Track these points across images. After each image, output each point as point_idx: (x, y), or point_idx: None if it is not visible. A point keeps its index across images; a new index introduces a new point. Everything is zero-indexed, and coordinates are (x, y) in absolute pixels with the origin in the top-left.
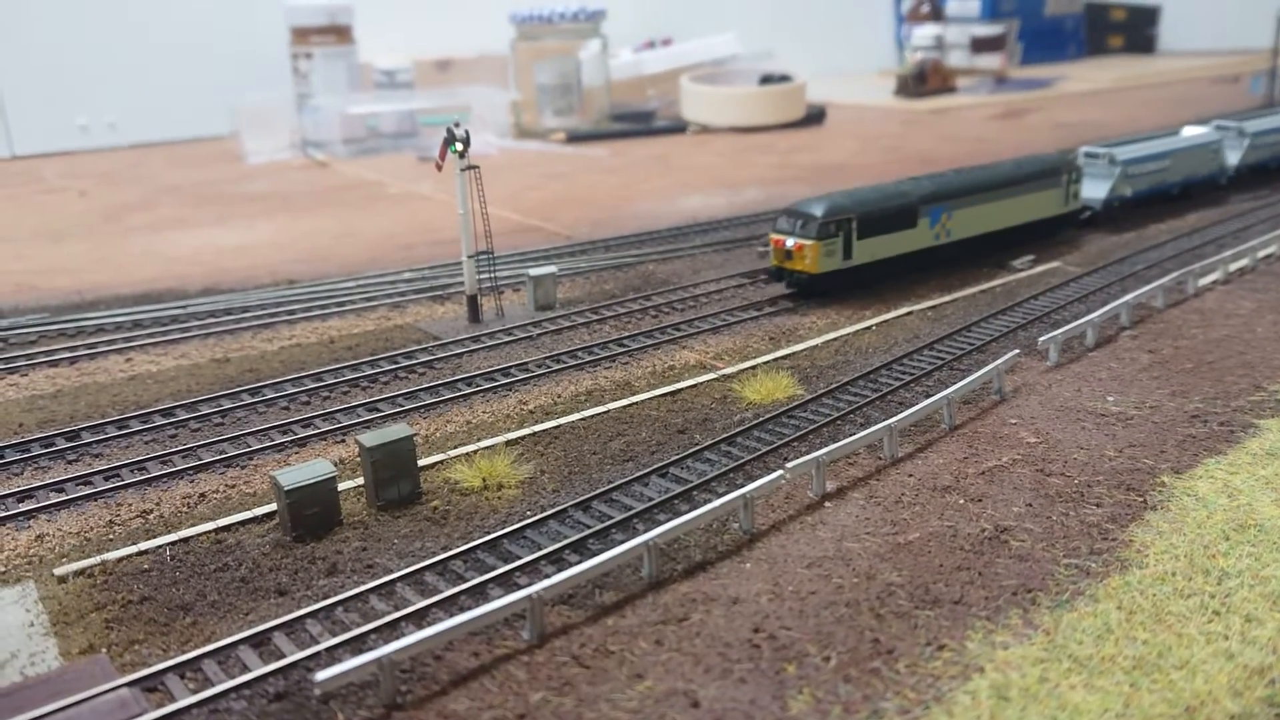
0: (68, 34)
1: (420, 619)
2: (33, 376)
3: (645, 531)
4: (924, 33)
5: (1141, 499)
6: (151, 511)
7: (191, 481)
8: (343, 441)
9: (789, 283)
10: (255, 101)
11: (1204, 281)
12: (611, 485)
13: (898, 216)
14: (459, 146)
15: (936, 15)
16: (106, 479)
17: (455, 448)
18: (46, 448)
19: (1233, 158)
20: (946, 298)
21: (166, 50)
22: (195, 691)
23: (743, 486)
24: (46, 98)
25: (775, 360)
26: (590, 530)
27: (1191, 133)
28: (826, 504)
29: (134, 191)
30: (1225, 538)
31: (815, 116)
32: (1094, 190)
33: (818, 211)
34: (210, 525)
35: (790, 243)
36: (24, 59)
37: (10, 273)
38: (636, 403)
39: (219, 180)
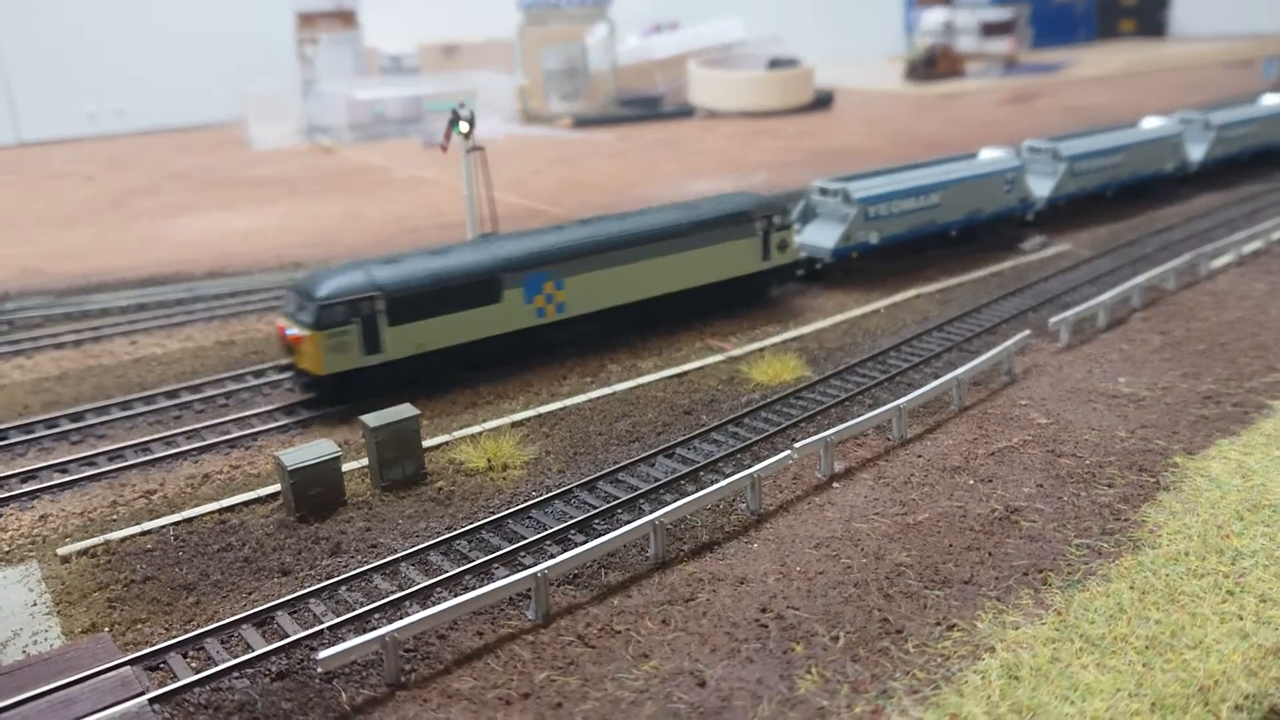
0: (75, 22)
1: (424, 598)
2: (38, 359)
3: (652, 511)
4: (933, 17)
5: (1154, 479)
6: (155, 492)
7: (195, 462)
8: (347, 422)
9: (304, 384)
10: (261, 88)
11: (1217, 264)
12: (617, 466)
13: (465, 290)
14: (464, 127)
15: None
16: (110, 460)
17: (460, 428)
18: (51, 429)
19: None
20: (956, 280)
21: (173, 37)
22: (197, 670)
23: (750, 467)
24: (54, 85)
25: (783, 342)
26: (596, 510)
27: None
28: (834, 485)
29: (140, 177)
30: (1239, 518)
31: (823, 101)
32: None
33: (322, 290)
34: (214, 505)
35: (292, 331)
36: (32, 46)
37: (17, 257)
38: (643, 384)
39: (225, 166)
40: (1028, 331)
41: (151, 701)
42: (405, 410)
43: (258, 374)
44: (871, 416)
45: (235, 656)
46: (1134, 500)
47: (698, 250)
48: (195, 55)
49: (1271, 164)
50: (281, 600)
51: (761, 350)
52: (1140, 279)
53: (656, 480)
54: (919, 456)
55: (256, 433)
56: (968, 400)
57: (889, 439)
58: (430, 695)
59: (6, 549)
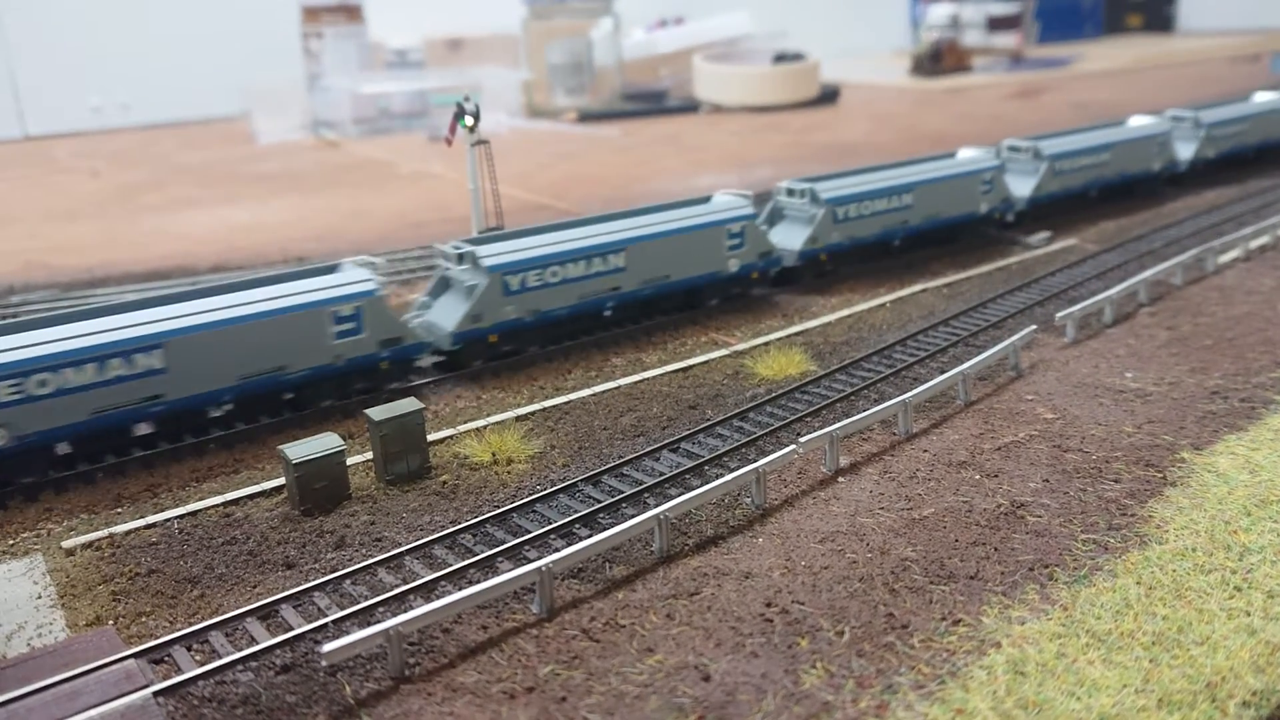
0: (80, 16)
1: (429, 592)
2: None
3: (656, 506)
4: (939, 11)
5: (1161, 475)
6: (160, 485)
7: (199, 455)
8: (353, 416)
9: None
10: (266, 82)
11: (1224, 259)
12: (622, 460)
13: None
14: (469, 121)
15: None
16: (115, 453)
17: (465, 422)
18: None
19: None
20: (961, 275)
21: (178, 31)
22: (202, 663)
23: (755, 461)
24: (59, 79)
25: (787, 336)
26: (600, 504)
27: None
28: (840, 479)
29: (145, 171)
30: (1247, 513)
31: (829, 96)
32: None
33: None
34: (218, 499)
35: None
36: (37, 40)
37: (22, 251)
38: (648, 378)
39: (230, 160)
40: (1034, 326)
41: (156, 694)
42: (410, 404)
43: None
44: (877, 411)
45: (239, 650)
46: (1141, 496)
47: None
48: (200, 49)
49: (1276, 161)
50: (286, 594)
51: (766, 345)
52: (1147, 274)
53: (661, 475)
54: (925, 451)
55: (261, 426)
56: (973, 395)
57: (894, 434)
58: (435, 689)
59: (11, 542)
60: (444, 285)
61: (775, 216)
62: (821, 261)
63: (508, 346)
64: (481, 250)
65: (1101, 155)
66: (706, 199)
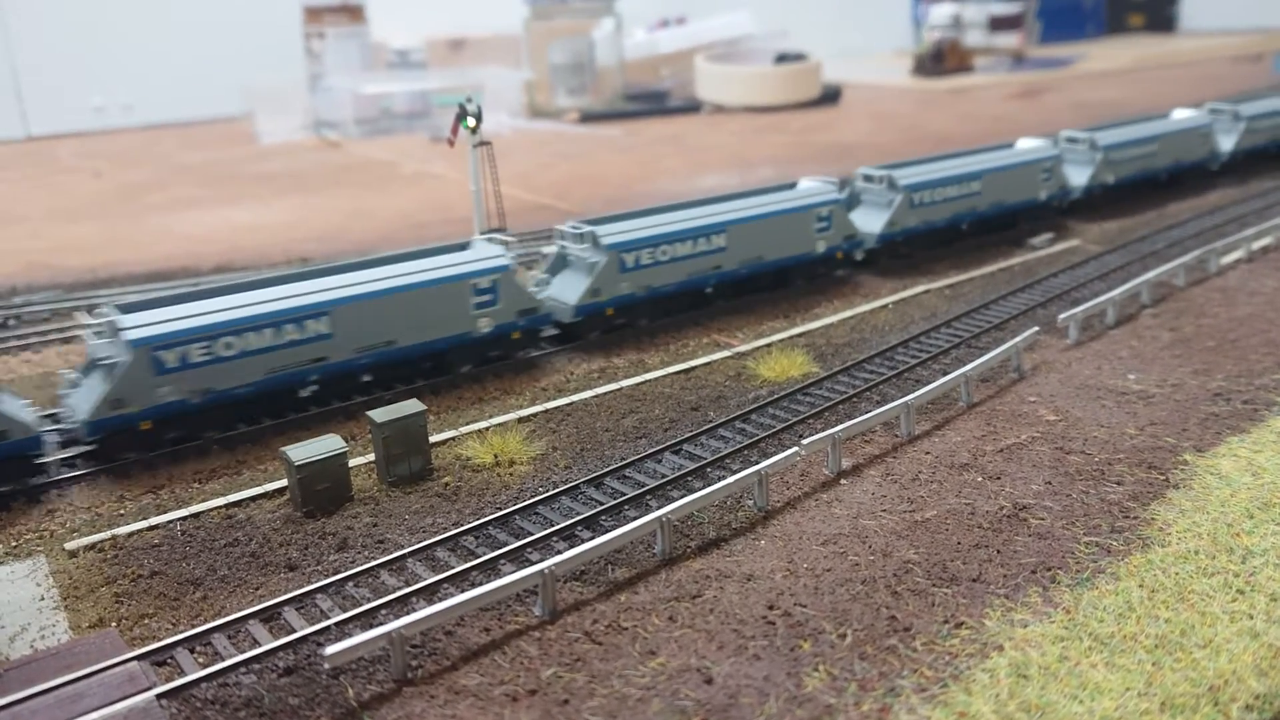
0: (83, 15)
1: (431, 594)
2: (45, 354)
3: (659, 508)
4: (941, 11)
5: (1163, 477)
6: (162, 487)
7: (202, 457)
8: (355, 418)
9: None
10: (268, 82)
11: (1226, 260)
12: (624, 461)
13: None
14: (471, 122)
15: None
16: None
17: (467, 424)
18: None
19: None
20: (964, 276)
21: (181, 31)
22: (204, 665)
23: (757, 463)
24: (61, 79)
25: (790, 338)
26: (603, 506)
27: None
28: (842, 481)
29: (148, 171)
30: (1249, 516)
31: (830, 96)
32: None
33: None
34: (221, 500)
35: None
36: (39, 40)
37: (25, 251)
38: (650, 380)
39: (232, 160)
40: (1036, 328)
41: (159, 697)
42: (412, 405)
43: None
44: (879, 413)
45: (242, 652)
46: (1143, 498)
47: None
48: (202, 49)
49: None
50: (288, 596)
51: (768, 346)
52: (1150, 275)
53: (663, 476)
54: (927, 453)
55: (264, 427)
56: (976, 397)
57: (897, 436)
58: (437, 691)
59: (14, 543)
60: (562, 262)
61: (853, 201)
62: (898, 245)
63: (621, 320)
64: (601, 230)
65: (1151, 146)
66: (792, 185)
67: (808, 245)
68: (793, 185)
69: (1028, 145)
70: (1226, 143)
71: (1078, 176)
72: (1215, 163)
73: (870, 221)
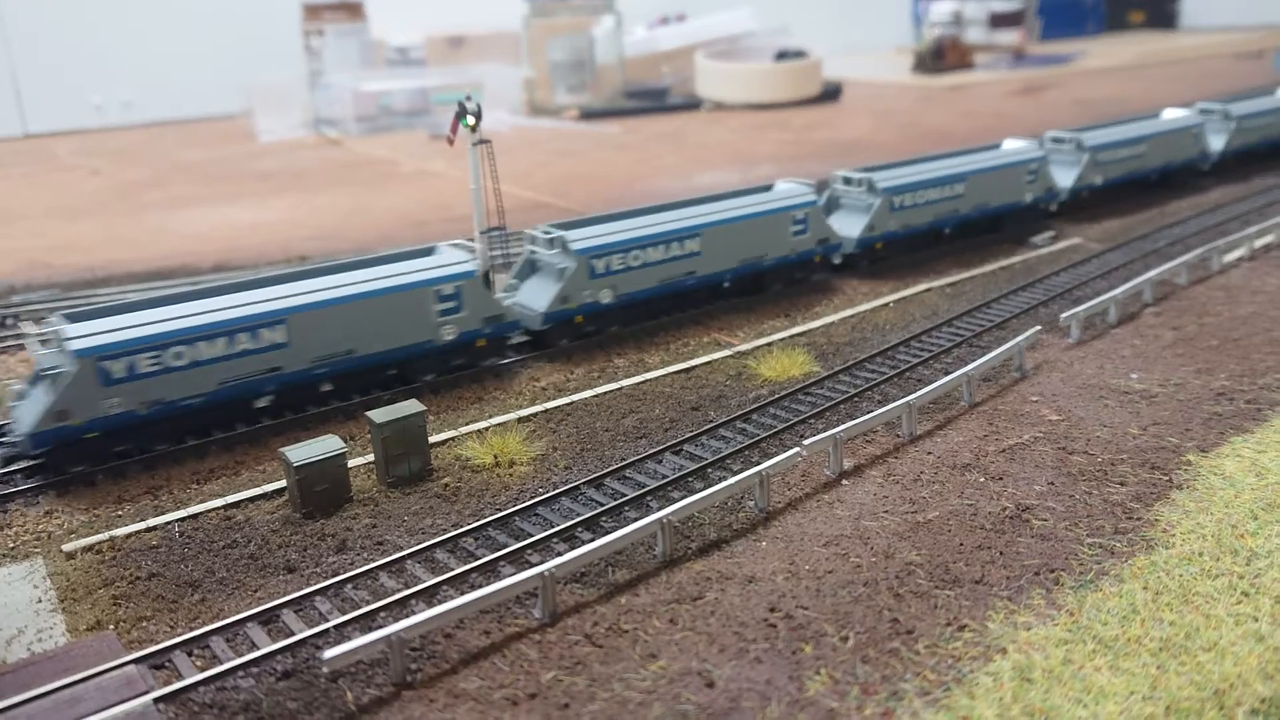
0: (81, 13)
1: (430, 597)
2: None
3: (659, 509)
4: (942, 8)
5: (1167, 478)
6: (160, 488)
7: (200, 458)
8: (354, 418)
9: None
10: (268, 80)
11: (1229, 258)
12: (625, 462)
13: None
14: (470, 120)
15: None
16: (116, 455)
17: (467, 424)
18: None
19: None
20: (965, 274)
21: (180, 29)
22: (203, 669)
23: (758, 464)
24: (60, 76)
25: (790, 337)
26: (603, 508)
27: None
28: (844, 482)
29: (147, 169)
30: (1254, 517)
31: (831, 93)
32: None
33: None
34: (219, 502)
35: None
36: (38, 38)
37: (23, 250)
38: (650, 379)
39: (232, 158)
40: (1038, 327)
41: (156, 701)
42: (411, 406)
43: None
44: (881, 413)
45: (240, 655)
46: (1147, 499)
47: None
48: (202, 47)
49: None
50: (287, 598)
51: (769, 345)
52: (1152, 274)
53: (664, 477)
54: (929, 454)
55: (262, 428)
56: (978, 396)
57: (899, 436)
58: (436, 695)
59: (11, 545)
60: (531, 268)
61: (832, 205)
62: (877, 249)
63: (591, 327)
64: (571, 235)
65: (1140, 147)
66: (768, 187)
67: (784, 249)
68: (769, 187)
69: (1013, 146)
70: (1217, 142)
71: (1064, 178)
72: (1206, 163)
73: (849, 225)
